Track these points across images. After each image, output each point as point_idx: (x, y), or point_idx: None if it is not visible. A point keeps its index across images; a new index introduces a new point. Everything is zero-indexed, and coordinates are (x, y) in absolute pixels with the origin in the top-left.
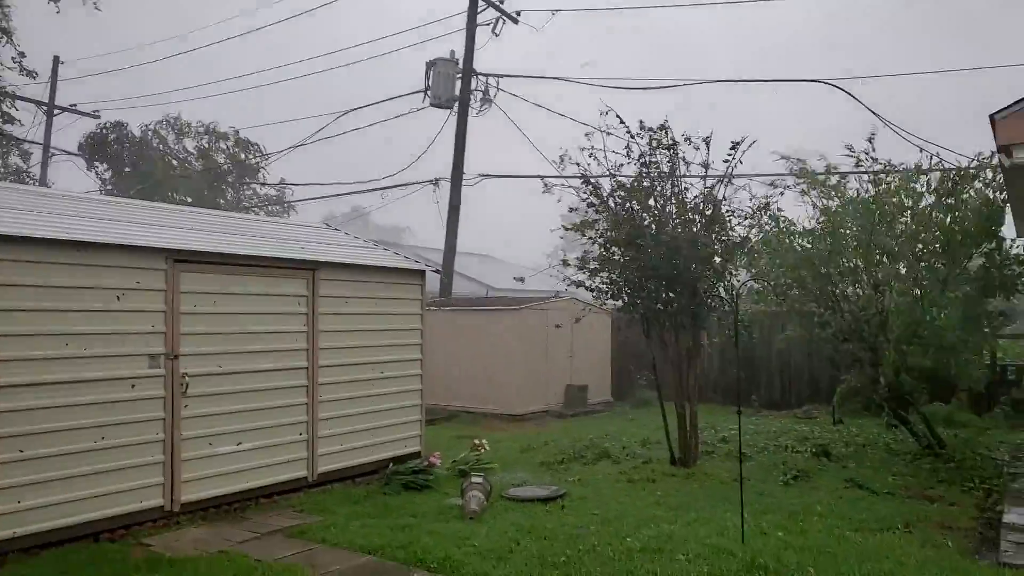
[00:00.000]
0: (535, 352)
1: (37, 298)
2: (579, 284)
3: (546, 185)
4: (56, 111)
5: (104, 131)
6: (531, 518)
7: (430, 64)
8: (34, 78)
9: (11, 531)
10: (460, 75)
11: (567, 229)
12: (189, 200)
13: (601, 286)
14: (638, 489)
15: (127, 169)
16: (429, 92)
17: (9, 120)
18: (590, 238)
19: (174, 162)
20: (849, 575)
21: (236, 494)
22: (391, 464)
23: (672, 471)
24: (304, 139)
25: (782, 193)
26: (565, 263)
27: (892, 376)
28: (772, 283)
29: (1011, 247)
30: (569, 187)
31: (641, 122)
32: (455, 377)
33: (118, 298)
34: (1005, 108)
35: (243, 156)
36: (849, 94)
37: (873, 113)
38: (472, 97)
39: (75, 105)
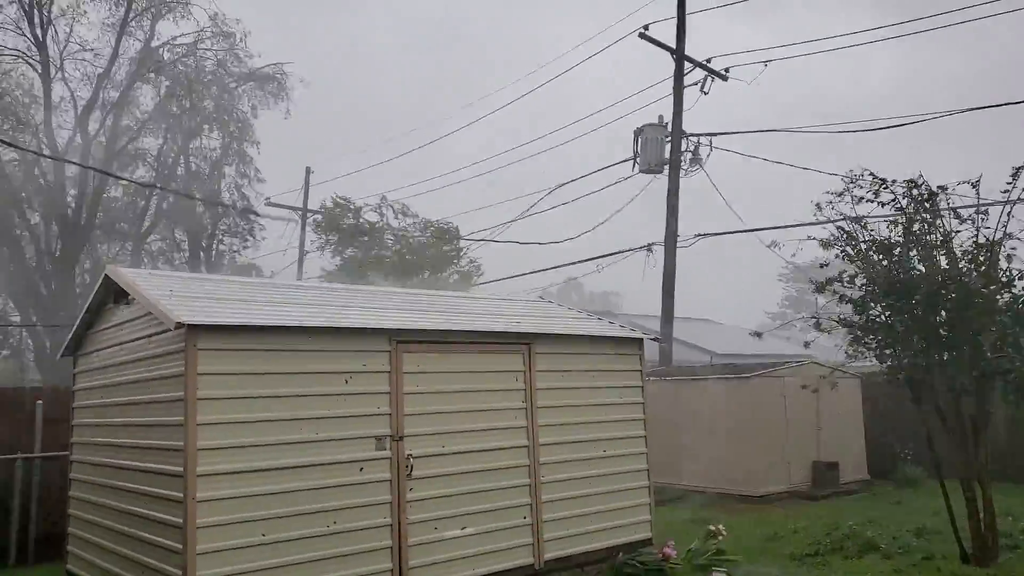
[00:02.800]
0: (773, 424)
1: (271, 385)
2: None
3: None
4: (309, 214)
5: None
6: None
7: (638, 131)
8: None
9: None
10: (668, 138)
11: (817, 287)
12: (416, 279)
13: (862, 348)
14: None
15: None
16: (638, 159)
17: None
18: (839, 295)
19: (405, 251)
20: None
21: None
22: (620, 553)
23: (966, 571)
24: (514, 218)
25: None
26: (817, 323)
27: None
28: None
29: None
30: (812, 238)
31: (913, 181)
32: (681, 453)
33: (346, 381)
34: None
35: (451, 242)
36: None
37: None
38: (682, 159)
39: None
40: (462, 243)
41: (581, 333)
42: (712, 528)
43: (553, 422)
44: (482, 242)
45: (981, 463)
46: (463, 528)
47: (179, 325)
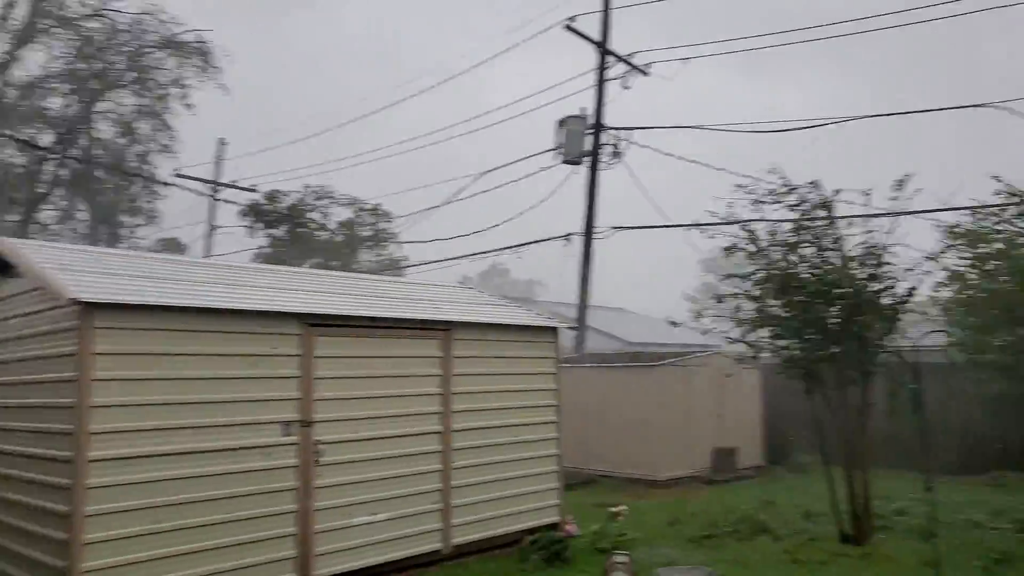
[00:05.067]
0: (677, 412)
1: (173, 367)
2: (748, 344)
3: (698, 227)
4: (218, 187)
5: (261, 202)
6: None
7: (561, 122)
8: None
9: None
10: (590, 131)
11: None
12: (336, 265)
13: (759, 340)
14: (806, 573)
15: (280, 236)
16: (561, 150)
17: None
18: (743, 292)
19: (324, 231)
20: None
21: (370, 569)
22: (527, 536)
23: (843, 550)
24: (441, 203)
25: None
26: (699, 315)
27: None
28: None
29: None
30: (722, 234)
31: (813, 183)
32: (592, 439)
33: (254, 364)
34: None
35: (380, 224)
36: None
37: None
38: (602, 151)
39: (236, 181)
40: (390, 228)
41: (499, 321)
42: (614, 511)
43: (467, 408)
44: (411, 243)
45: (862, 450)
46: (373, 514)
47: (74, 301)
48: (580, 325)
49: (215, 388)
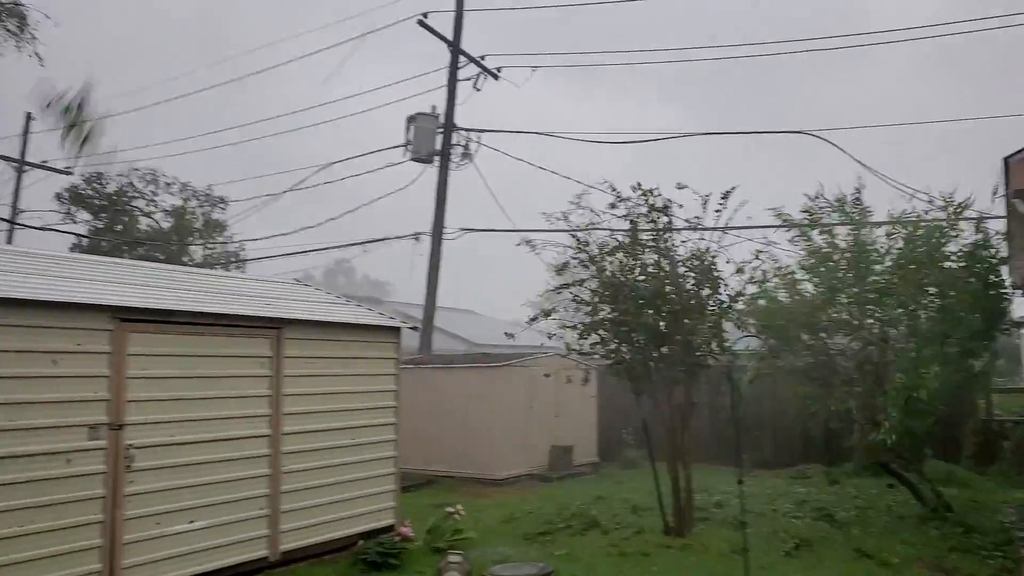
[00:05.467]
0: (518, 412)
1: None
2: (573, 348)
3: (530, 244)
4: (26, 168)
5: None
6: None
7: (410, 119)
8: None
9: None
10: (441, 129)
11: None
12: (162, 258)
13: (593, 344)
14: (631, 565)
15: (102, 225)
16: (410, 147)
17: None
18: (576, 297)
19: (149, 218)
20: None
21: None
22: (360, 540)
23: (667, 542)
24: (280, 191)
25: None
26: (545, 313)
27: (892, 436)
28: (765, 337)
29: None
30: (556, 244)
31: (638, 183)
32: (434, 439)
33: (54, 362)
34: (1021, 151)
35: (213, 213)
36: (835, 145)
37: (859, 162)
38: (453, 152)
39: (46, 161)
40: (224, 218)
41: (335, 320)
42: (450, 510)
43: (300, 410)
44: (250, 240)
45: (685, 447)
46: (191, 521)
47: None
48: (427, 326)
49: (10, 388)
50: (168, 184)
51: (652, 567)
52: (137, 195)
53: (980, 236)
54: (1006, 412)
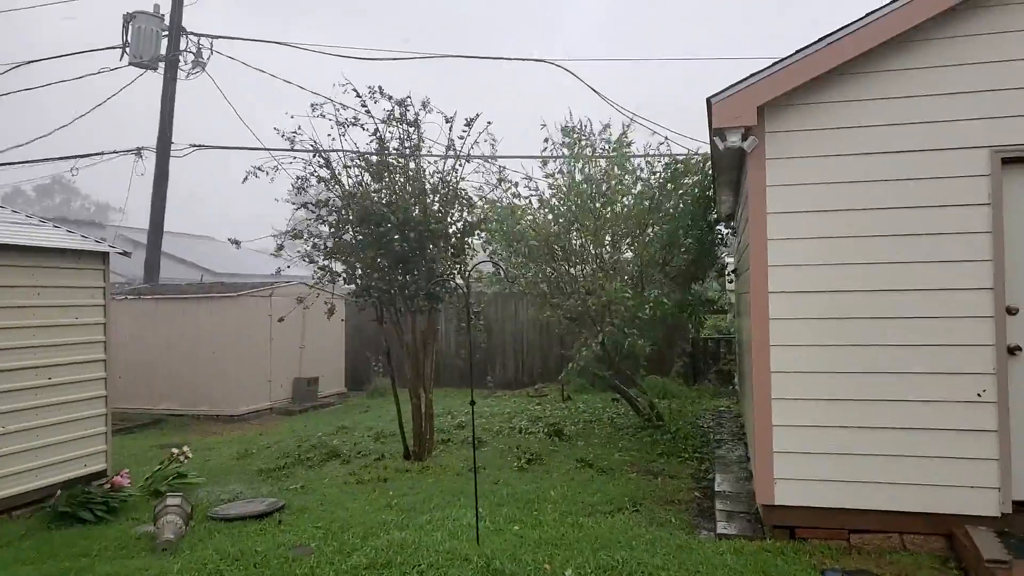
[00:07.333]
0: (257, 344)
1: None
2: (323, 270)
3: (258, 172)
4: None
5: None
6: (240, 541)
7: (128, 17)
8: None
9: None
10: (166, 32)
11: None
12: None
13: (334, 269)
14: (368, 491)
15: None
16: (128, 50)
17: None
18: (319, 217)
19: None
20: (584, 567)
21: None
22: (60, 491)
23: (406, 466)
24: None
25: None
26: (280, 248)
27: (614, 354)
28: (504, 264)
29: (718, 233)
30: (299, 160)
31: (380, 88)
32: (160, 376)
33: None
34: (722, 91)
35: None
36: (576, 76)
37: (597, 93)
38: (183, 59)
39: None
40: None
41: (22, 243)
42: (174, 451)
43: None
44: None
45: (427, 373)
46: None
47: None
48: (153, 252)
49: None
50: None
51: (388, 492)
52: None
53: (702, 175)
54: (717, 332)
